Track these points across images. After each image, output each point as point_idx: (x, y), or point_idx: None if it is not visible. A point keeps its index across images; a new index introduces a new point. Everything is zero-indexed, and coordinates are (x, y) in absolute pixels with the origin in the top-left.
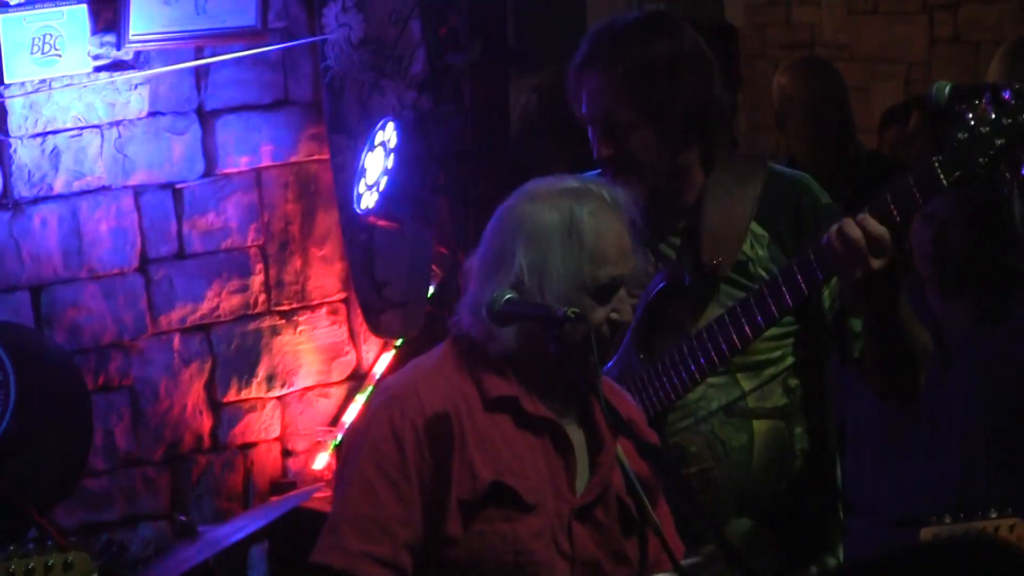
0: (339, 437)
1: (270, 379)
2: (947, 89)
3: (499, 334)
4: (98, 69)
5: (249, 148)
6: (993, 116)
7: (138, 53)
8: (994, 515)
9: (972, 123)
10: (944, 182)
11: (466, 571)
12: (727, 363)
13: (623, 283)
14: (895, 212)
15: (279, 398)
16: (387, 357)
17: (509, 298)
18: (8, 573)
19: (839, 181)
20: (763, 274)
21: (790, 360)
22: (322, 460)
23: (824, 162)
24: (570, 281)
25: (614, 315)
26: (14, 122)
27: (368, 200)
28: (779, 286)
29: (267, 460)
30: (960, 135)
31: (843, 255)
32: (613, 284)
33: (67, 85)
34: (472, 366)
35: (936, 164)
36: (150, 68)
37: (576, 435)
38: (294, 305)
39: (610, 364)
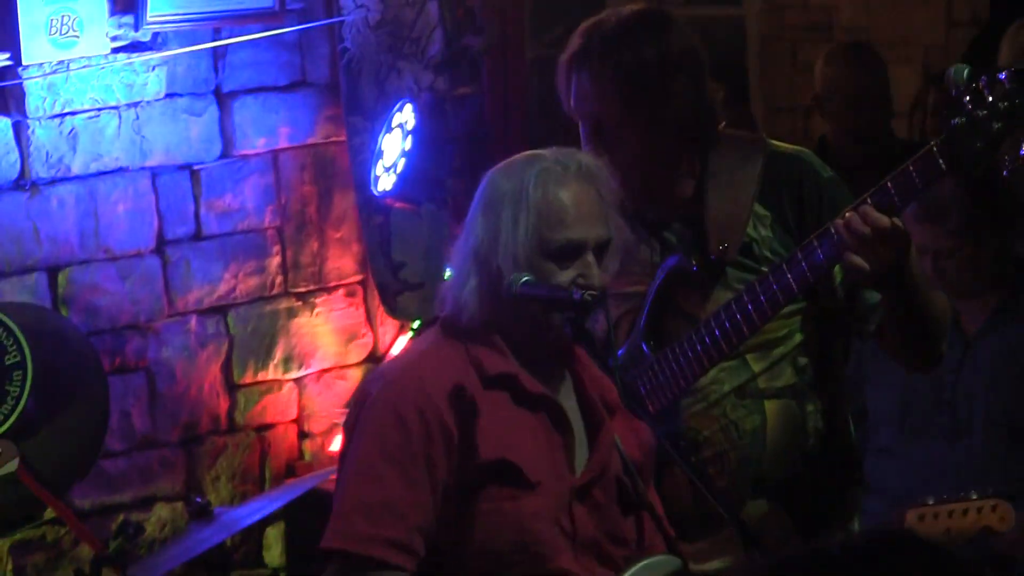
0: None
1: (287, 361)
2: (965, 72)
3: (469, 309)
4: (116, 50)
5: (266, 129)
6: (990, 99)
7: (156, 34)
8: (975, 496)
9: (969, 107)
10: (943, 166)
11: (473, 551)
12: (737, 347)
13: (588, 247)
14: (896, 200)
15: (296, 380)
16: (404, 339)
17: (526, 280)
18: None
19: (872, 168)
20: (768, 255)
21: (798, 338)
22: (339, 442)
23: (859, 149)
24: (526, 246)
25: (580, 279)
26: (32, 103)
27: (385, 182)
28: (784, 272)
29: (283, 442)
30: (958, 120)
31: (852, 247)
32: (571, 247)
33: (85, 66)
34: (467, 346)
35: (934, 149)
36: (168, 49)
37: (573, 412)
38: (311, 287)
39: (620, 353)
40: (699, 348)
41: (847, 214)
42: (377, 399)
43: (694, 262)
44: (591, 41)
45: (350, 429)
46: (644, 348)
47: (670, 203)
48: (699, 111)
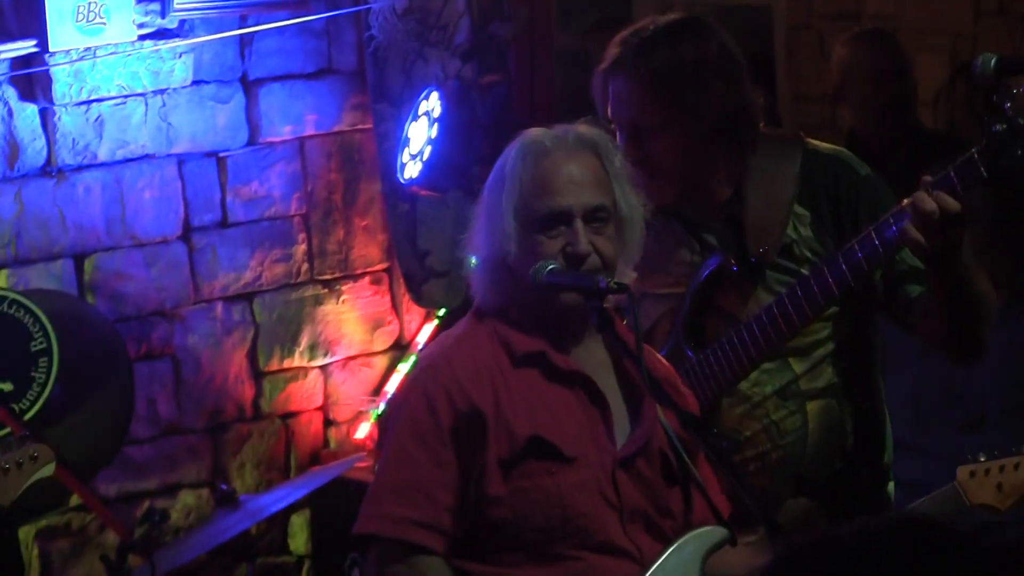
0: (381, 407)
1: (312, 348)
2: (993, 62)
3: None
4: (143, 38)
5: (293, 117)
6: None
7: (182, 21)
8: None
9: (1010, 113)
10: (984, 174)
11: (515, 530)
12: (779, 349)
13: (576, 215)
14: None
15: (321, 367)
16: (429, 327)
17: (552, 268)
18: None
19: (898, 153)
20: (808, 254)
21: (839, 338)
22: (364, 430)
23: (885, 133)
24: (512, 218)
25: (568, 248)
26: (59, 90)
27: (412, 170)
28: (824, 274)
29: (309, 429)
30: (998, 127)
31: (917, 225)
32: (558, 214)
33: (112, 53)
34: (497, 329)
35: (976, 156)
36: (194, 36)
37: (611, 389)
38: (337, 274)
39: (663, 353)
40: (741, 349)
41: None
42: (409, 386)
43: (734, 263)
44: (627, 47)
45: (386, 418)
46: (685, 348)
47: (709, 205)
48: (737, 114)
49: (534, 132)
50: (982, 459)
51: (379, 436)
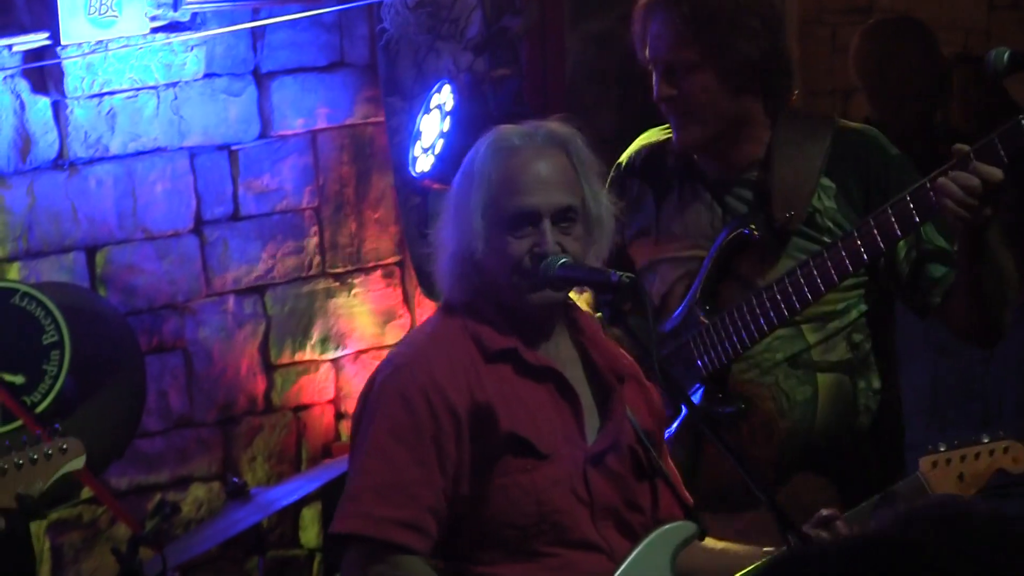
0: None
1: (324, 341)
2: (1005, 56)
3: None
4: (155, 31)
5: (304, 110)
6: None
7: (195, 14)
8: (986, 440)
9: None
10: (1003, 158)
11: (492, 527)
12: (797, 315)
13: (544, 215)
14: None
15: (333, 361)
16: None
17: (564, 262)
18: (14, 465)
19: (918, 143)
20: (831, 225)
21: (855, 313)
22: None
23: (902, 124)
24: (480, 217)
25: (536, 248)
26: (71, 83)
27: (423, 163)
28: (855, 240)
29: (320, 423)
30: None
31: (957, 201)
32: (526, 214)
33: (123, 47)
34: (467, 325)
35: (996, 141)
36: (206, 29)
37: (581, 384)
38: (348, 268)
39: (675, 315)
40: (758, 313)
41: (947, 174)
42: (383, 384)
43: (756, 229)
44: None
45: (359, 417)
46: (699, 312)
47: (735, 163)
48: (771, 58)
49: (504, 129)
50: (943, 449)
51: (353, 435)
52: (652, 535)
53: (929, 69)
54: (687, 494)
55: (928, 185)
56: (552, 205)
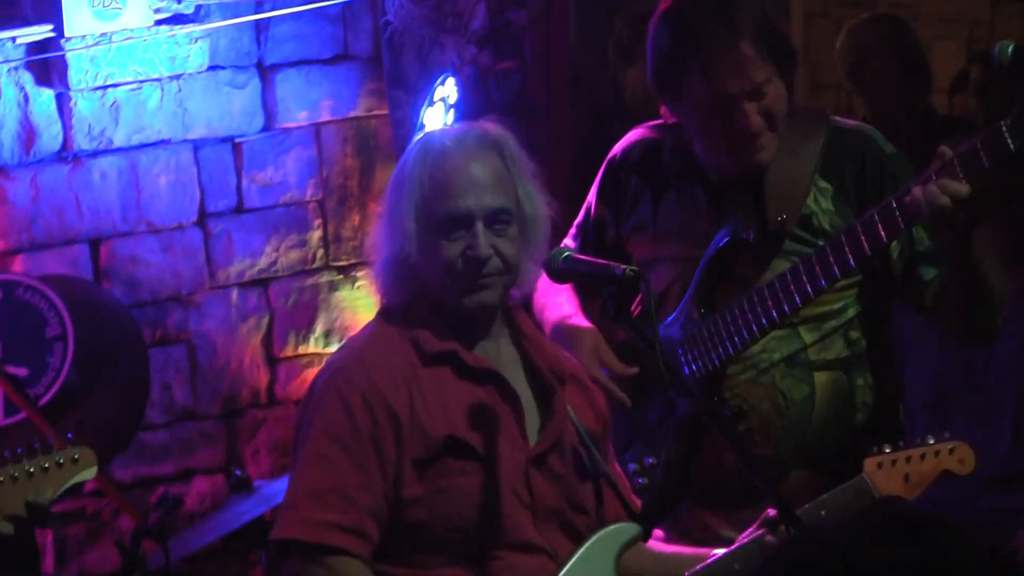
0: None
1: (327, 334)
2: (1010, 49)
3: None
4: (159, 23)
5: (308, 103)
6: None
7: (198, 7)
8: (932, 441)
9: None
10: (1011, 147)
11: (433, 530)
12: (790, 318)
13: (476, 217)
14: (961, 175)
15: None
16: None
17: (567, 256)
18: (26, 472)
19: (911, 138)
20: (827, 228)
21: (852, 312)
22: None
23: (894, 118)
24: (411, 222)
25: (468, 251)
26: (74, 75)
27: None
28: (842, 246)
29: None
30: None
31: (929, 219)
32: (455, 218)
33: (128, 39)
34: (406, 329)
35: (1004, 129)
36: (210, 22)
37: (521, 385)
38: (352, 260)
39: (670, 319)
40: (751, 315)
41: (921, 187)
42: (322, 389)
43: (751, 231)
44: (701, 20)
45: (298, 422)
46: (695, 314)
47: (742, 150)
48: (770, 37)
49: (434, 132)
50: (887, 450)
51: (293, 444)
52: (595, 536)
53: (906, 63)
54: (633, 496)
55: (901, 200)
56: (484, 207)
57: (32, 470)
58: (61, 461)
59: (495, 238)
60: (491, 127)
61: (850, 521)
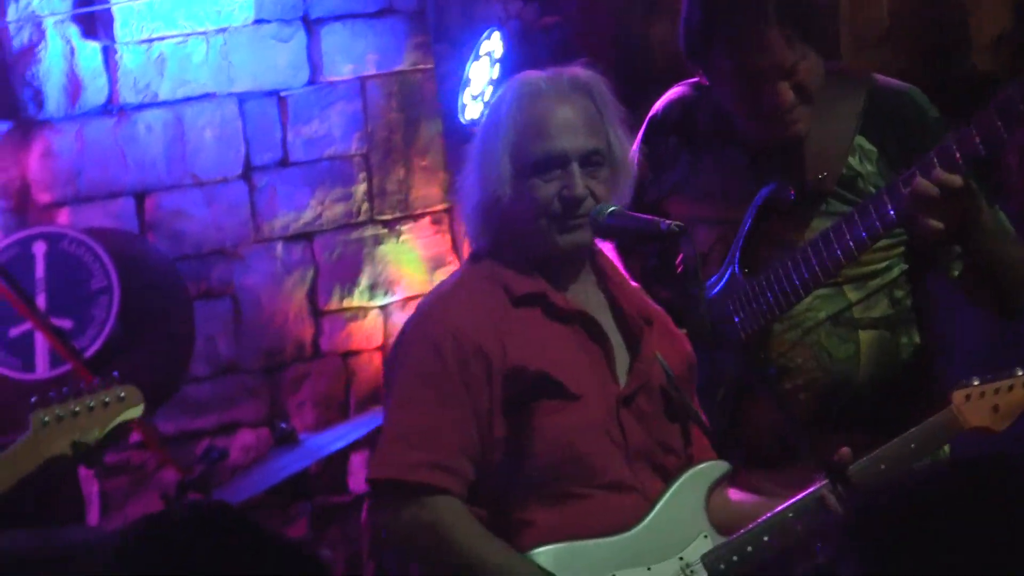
0: None
1: (372, 288)
2: None
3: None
4: None
5: (354, 56)
6: None
7: None
8: (1020, 372)
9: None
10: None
11: (524, 470)
12: (834, 276)
13: (571, 159)
14: (980, 146)
15: (381, 307)
16: None
17: (613, 211)
18: (71, 412)
19: (947, 96)
20: (871, 190)
21: (897, 271)
22: None
23: (933, 76)
24: (506, 162)
25: (565, 191)
26: (121, 28)
27: (472, 110)
28: (884, 200)
29: (369, 369)
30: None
31: (921, 211)
32: (551, 159)
33: None
34: (494, 271)
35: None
36: None
37: (609, 327)
38: (397, 214)
39: (713, 280)
40: (795, 275)
41: (915, 180)
42: (412, 332)
43: (792, 191)
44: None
45: (389, 366)
46: (738, 275)
47: (775, 122)
48: (801, 19)
49: (528, 75)
50: (976, 382)
51: (385, 383)
52: (686, 475)
53: (945, 19)
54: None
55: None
56: (579, 148)
57: (77, 410)
58: (107, 400)
59: (589, 179)
60: (582, 71)
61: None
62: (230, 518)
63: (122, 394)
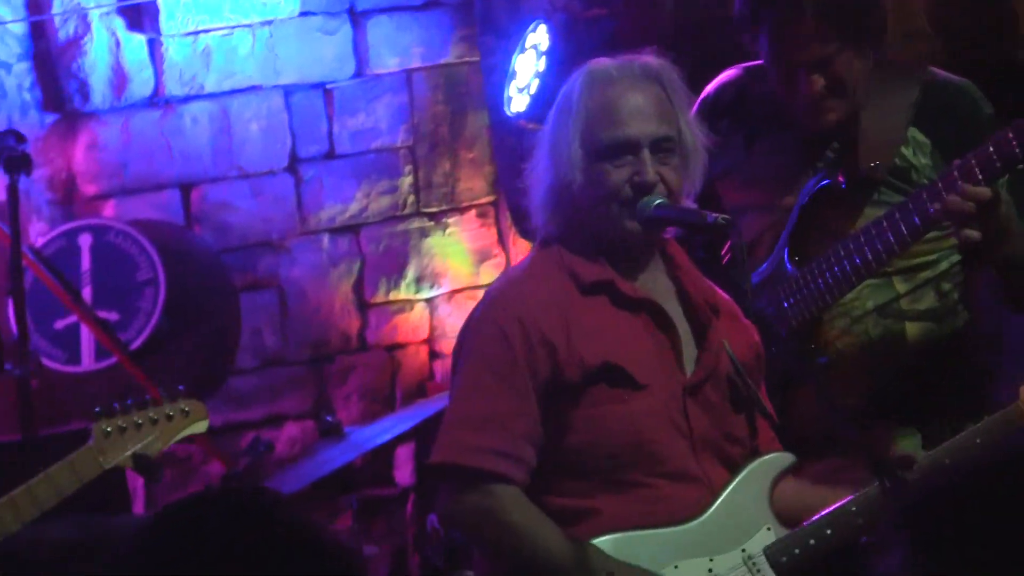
0: None
1: (418, 280)
2: None
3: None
4: None
5: (400, 49)
6: None
7: None
8: None
9: None
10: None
11: (588, 458)
12: (886, 264)
13: (642, 145)
14: (1019, 152)
15: (427, 300)
16: None
17: (660, 203)
18: (134, 424)
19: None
20: (924, 183)
21: (946, 264)
22: None
23: (979, 69)
24: (578, 147)
25: (636, 177)
26: (166, 21)
27: (518, 103)
28: (939, 190)
29: (414, 361)
30: None
31: (959, 224)
32: (622, 144)
33: None
34: (563, 258)
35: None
36: None
37: (677, 316)
38: (443, 207)
39: (763, 267)
40: (847, 264)
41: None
42: (480, 318)
43: (843, 179)
44: None
45: (457, 351)
46: (787, 263)
47: (807, 111)
48: (839, 12)
49: (599, 62)
50: None
51: (452, 369)
52: (751, 466)
53: (992, 11)
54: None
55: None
56: (650, 134)
57: (140, 422)
58: (171, 413)
59: (660, 166)
60: (653, 59)
61: None
62: (265, 504)
63: (186, 408)
